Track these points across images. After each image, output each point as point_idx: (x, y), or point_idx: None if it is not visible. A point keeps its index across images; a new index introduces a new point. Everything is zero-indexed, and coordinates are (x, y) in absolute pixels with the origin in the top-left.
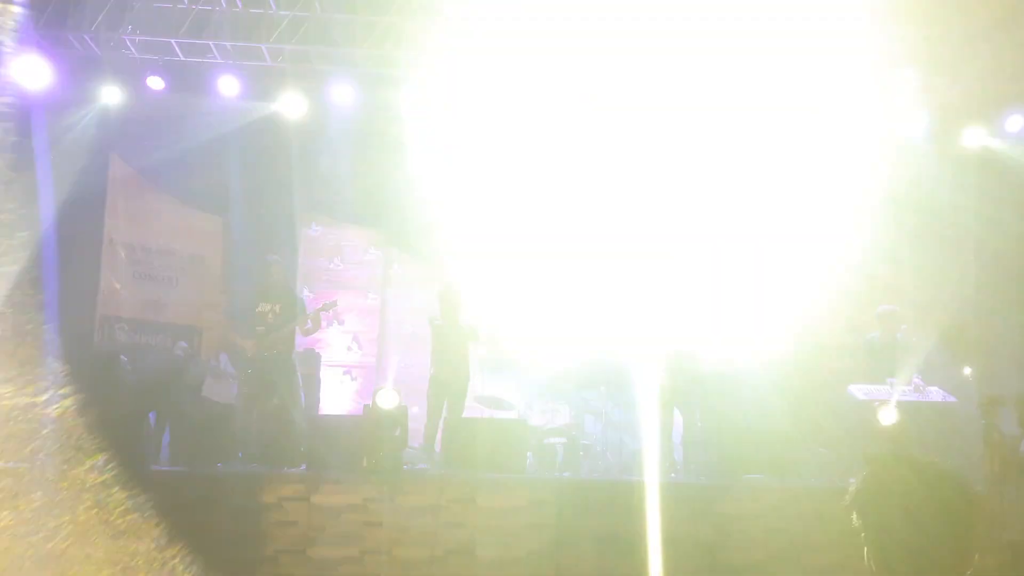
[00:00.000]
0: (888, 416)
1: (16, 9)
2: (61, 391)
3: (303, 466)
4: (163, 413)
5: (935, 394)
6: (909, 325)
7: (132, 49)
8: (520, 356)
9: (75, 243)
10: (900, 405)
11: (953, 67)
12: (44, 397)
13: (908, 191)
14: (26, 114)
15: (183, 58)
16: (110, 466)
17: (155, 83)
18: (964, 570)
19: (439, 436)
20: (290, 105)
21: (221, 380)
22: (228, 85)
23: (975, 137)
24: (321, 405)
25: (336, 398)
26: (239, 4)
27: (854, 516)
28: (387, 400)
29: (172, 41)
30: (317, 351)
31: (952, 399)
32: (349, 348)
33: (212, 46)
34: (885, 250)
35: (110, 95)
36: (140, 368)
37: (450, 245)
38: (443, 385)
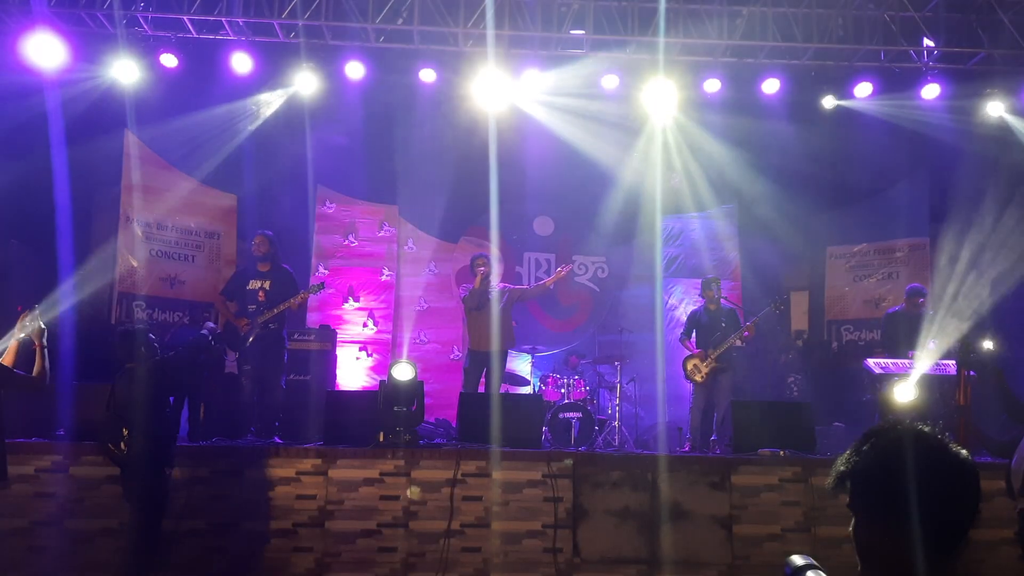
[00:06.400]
0: (906, 391)
1: None
2: None
3: (320, 441)
4: (185, 390)
5: (951, 368)
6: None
7: (145, 26)
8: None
9: (91, 221)
10: (917, 379)
11: None
12: None
13: None
14: (40, 92)
15: (196, 35)
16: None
17: (168, 60)
18: (963, 541)
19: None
20: (303, 81)
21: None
22: (241, 62)
23: None
24: (337, 381)
25: (352, 374)
26: None
27: (845, 487)
28: (403, 372)
29: (185, 18)
30: (333, 328)
31: (972, 373)
32: (364, 324)
33: (225, 23)
34: None
35: (123, 72)
36: (168, 346)
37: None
38: (483, 357)
